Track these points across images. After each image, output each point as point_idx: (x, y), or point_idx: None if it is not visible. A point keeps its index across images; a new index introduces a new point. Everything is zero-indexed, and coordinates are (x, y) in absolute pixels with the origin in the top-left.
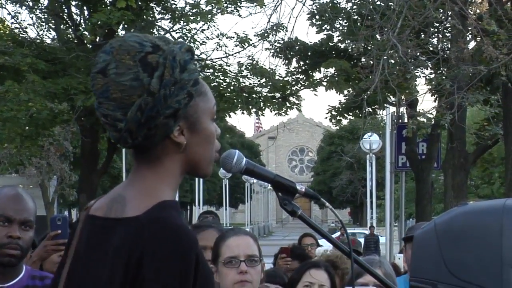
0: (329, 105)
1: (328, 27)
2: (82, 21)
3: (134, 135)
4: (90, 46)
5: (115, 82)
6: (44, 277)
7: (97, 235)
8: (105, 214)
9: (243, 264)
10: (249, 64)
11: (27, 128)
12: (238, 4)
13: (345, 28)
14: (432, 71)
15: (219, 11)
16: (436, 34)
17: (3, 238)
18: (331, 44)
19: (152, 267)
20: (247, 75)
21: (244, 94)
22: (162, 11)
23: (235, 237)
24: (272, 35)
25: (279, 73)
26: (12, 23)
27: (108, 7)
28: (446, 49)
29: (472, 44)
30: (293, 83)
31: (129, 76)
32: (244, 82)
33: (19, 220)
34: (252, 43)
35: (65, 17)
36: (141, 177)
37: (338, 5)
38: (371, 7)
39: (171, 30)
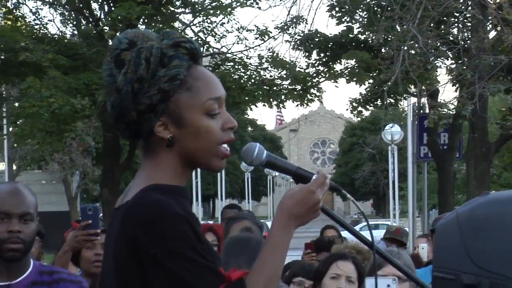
0: (350, 97)
1: (348, 19)
2: (102, 16)
3: (118, 128)
4: (110, 41)
5: (104, 78)
6: (53, 272)
7: (110, 226)
8: (116, 206)
9: None
10: (269, 56)
11: (49, 123)
12: None
13: (365, 19)
14: (453, 61)
15: (238, 4)
16: (456, 24)
17: (4, 233)
18: (351, 35)
19: (148, 242)
20: (268, 67)
21: (265, 87)
22: (182, 5)
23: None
24: (292, 28)
25: (300, 65)
26: (34, 19)
27: (128, 2)
28: (467, 39)
29: (492, 34)
30: (314, 75)
31: (107, 73)
32: (265, 75)
33: (17, 214)
34: (272, 36)
35: (86, 13)
36: (142, 168)
37: None
38: None
39: (191, 24)
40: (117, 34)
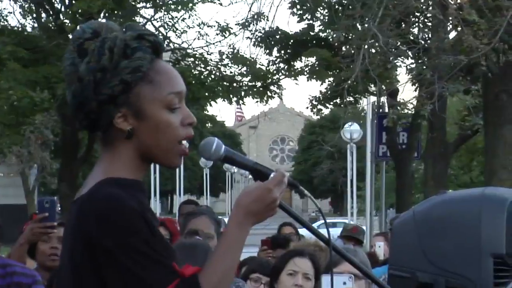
0: (310, 95)
1: (309, 17)
2: (62, 9)
3: (77, 118)
4: (71, 35)
5: (64, 68)
6: (6, 265)
7: (67, 220)
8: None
9: None
10: (230, 53)
11: (7, 116)
12: None
13: (326, 17)
14: (413, 61)
15: (199, 0)
16: (417, 24)
17: None
18: (312, 33)
19: (101, 235)
20: (228, 63)
21: (225, 83)
22: None
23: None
24: (253, 24)
25: (260, 62)
26: None
27: None
28: (427, 38)
29: (453, 34)
30: (274, 72)
31: (69, 62)
32: (225, 71)
33: None
34: (233, 32)
35: (46, 5)
36: (100, 161)
37: None
38: None
39: (152, 19)
40: (78, 27)
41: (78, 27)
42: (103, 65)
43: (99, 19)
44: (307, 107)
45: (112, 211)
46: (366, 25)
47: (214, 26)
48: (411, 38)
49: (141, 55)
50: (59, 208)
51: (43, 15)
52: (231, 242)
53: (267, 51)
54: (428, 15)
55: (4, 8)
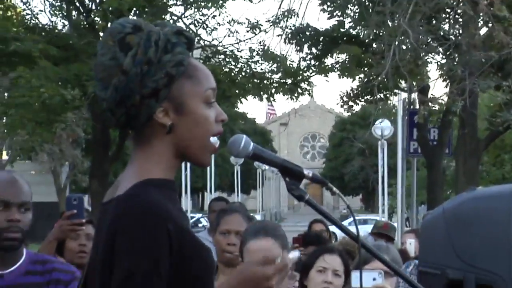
0: (341, 91)
1: (339, 13)
2: (93, 7)
3: (115, 114)
4: (102, 33)
5: (99, 63)
6: (46, 261)
7: (99, 221)
8: (106, 199)
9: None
10: (260, 49)
11: (39, 114)
12: None
13: (357, 14)
14: (444, 57)
15: None
16: (447, 20)
17: (3, 222)
18: (342, 30)
19: (120, 241)
20: (259, 60)
21: (256, 80)
22: None
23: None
24: (283, 21)
25: (291, 59)
26: (24, 9)
27: None
28: (458, 35)
29: (483, 30)
30: (305, 69)
31: (108, 56)
32: (256, 68)
33: (17, 203)
34: (263, 29)
35: (77, 4)
36: (133, 159)
37: None
38: None
39: (183, 16)
40: (108, 25)
41: (113, 23)
42: (149, 58)
43: (130, 17)
44: (338, 104)
45: (142, 223)
46: (396, 22)
47: (244, 23)
48: (442, 34)
49: (181, 50)
50: (90, 206)
51: (74, 13)
52: None
53: (298, 48)
54: (459, 11)
55: (35, 7)
